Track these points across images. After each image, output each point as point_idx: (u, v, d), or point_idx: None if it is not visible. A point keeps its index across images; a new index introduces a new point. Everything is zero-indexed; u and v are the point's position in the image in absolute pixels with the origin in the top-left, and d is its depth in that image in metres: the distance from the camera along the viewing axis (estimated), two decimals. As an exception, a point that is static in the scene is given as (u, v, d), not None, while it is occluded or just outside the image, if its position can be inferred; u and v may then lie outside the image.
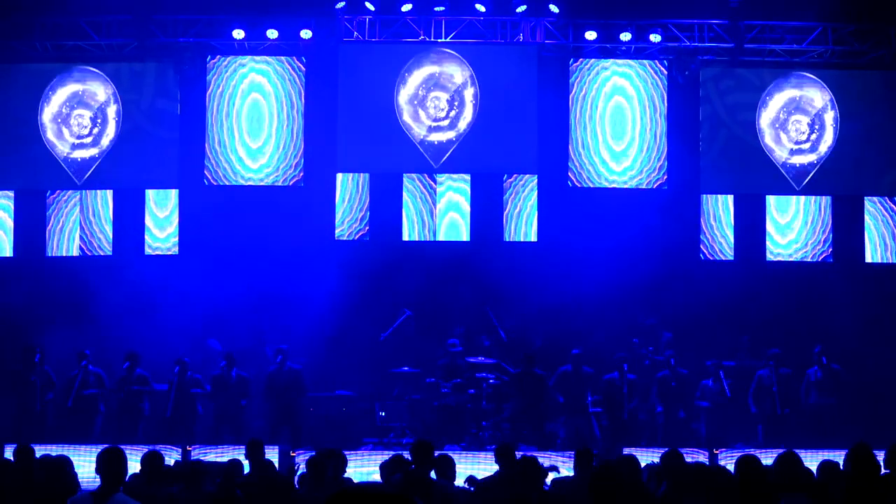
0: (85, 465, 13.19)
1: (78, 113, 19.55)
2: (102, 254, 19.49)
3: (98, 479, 7.78)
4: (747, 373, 17.57)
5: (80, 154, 19.51)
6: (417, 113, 19.51)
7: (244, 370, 17.11)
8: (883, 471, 8.98)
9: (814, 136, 19.67)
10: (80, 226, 19.53)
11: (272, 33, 19.15)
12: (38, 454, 10.31)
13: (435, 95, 19.50)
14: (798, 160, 19.66)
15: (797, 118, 19.72)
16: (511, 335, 18.44)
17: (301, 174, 19.55)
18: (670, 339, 18.34)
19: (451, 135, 19.47)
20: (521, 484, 9.70)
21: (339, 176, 19.55)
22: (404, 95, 19.49)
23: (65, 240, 19.52)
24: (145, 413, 16.95)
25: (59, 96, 19.56)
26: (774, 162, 19.66)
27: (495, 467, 10.86)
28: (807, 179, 19.62)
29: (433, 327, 18.72)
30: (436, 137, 19.48)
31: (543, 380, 16.99)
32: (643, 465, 10.56)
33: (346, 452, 12.28)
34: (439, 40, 19.34)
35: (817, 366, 17.16)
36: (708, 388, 17.06)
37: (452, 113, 19.51)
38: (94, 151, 19.50)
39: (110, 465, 7.67)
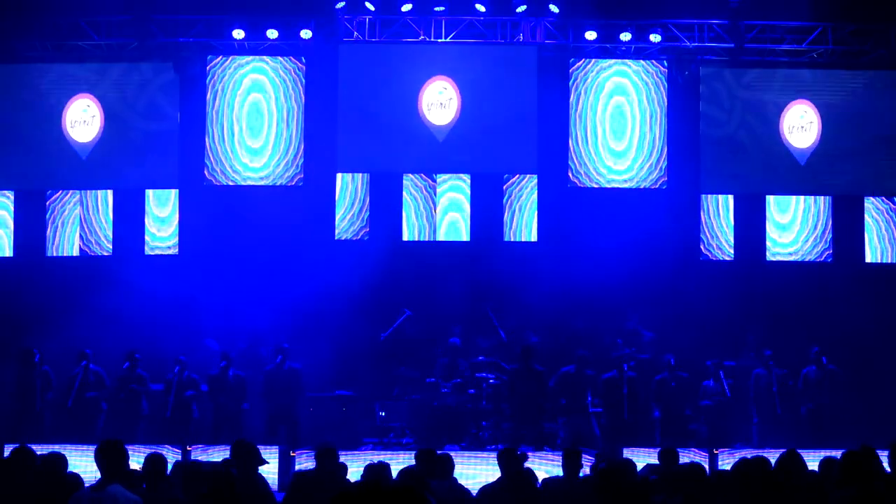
0: (86, 464, 13.19)
1: (78, 113, 19.54)
2: (102, 254, 19.49)
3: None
4: (749, 373, 17.53)
5: (80, 151, 19.52)
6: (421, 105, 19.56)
7: (242, 370, 17.09)
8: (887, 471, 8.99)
9: (814, 135, 19.67)
10: (80, 226, 19.54)
11: (272, 33, 19.16)
12: (37, 454, 10.28)
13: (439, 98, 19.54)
14: (799, 152, 19.68)
15: (797, 117, 19.71)
16: (511, 335, 18.44)
17: (301, 174, 19.55)
18: (653, 339, 18.31)
19: (451, 114, 19.44)
20: (519, 489, 9.71)
21: (339, 176, 19.56)
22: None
23: (65, 240, 19.53)
24: (144, 413, 16.95)
25: (58, 96, 19.57)
26: (774, 159, 19.68)
27: (494, 467, 10.82)
28: (805, 161, 19.66)
29: (433, 327, 18.72)
30: (437, 117, 19.44)
31: (542, 375, 16.94)
32: (644, 464, 10.58)
33: (347, 452, 12.32)
34: (439, 40, 19.34)
35: (815, 365, 17.13)
36: (708, 388, 17.05)
37: (453, 101, 19.53)
38: (93, 139, 19.50)
39: (107, 456, 7.73)
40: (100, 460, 7.79)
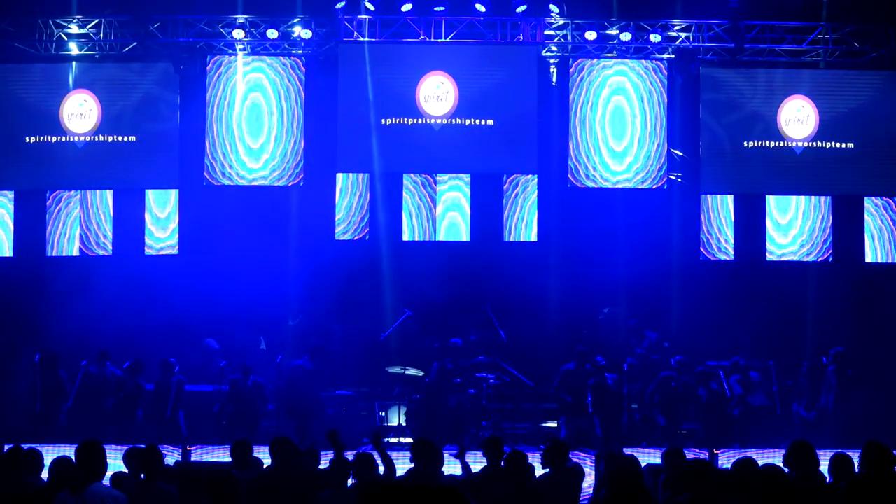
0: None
1: (75, 107, 19.53)
2: (102, 254, 19.49)
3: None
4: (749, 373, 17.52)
5: (77, 143, 19.53)
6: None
7: (256, 375, 17.14)
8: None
9: (810, 129, 19.67)
10: (80, 226, 19.54)
11: (272, 33, 19.16)
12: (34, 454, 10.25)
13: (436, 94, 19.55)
14: (796, 151, 19.70)
15: (794, 111, 19.72)
16: (510, 334, 18.48)
17: (301, 174, 19.56)
18: (658, 340, 18.31)
19: (447, 106, 19.45)
20: (512, 479, 9.75)
21: (339, 176, 19.56)
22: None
23: (65, 240, 19.53)
24: (139, 419, 16.88)
25: (58, 96, 19.57)
26: (774, 159, 19.68)
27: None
28: (804, 144, 19.67)
29: (433, 327, 18.73)
30: (434, 109, 19.46)
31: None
32: (644, 464, 10.58)
33: (347, 452, 12.27)
34: (439, 40, 19.34)
35: (834, 366, 17.06)
36: (708, 388, 17.03)
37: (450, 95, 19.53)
38: (90, 130, 19.52)
39: (85, 457, 7.79)
40: (79, 460, 7.85)
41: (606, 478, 7.44)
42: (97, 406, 16.75)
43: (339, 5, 18.92)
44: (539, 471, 10.43)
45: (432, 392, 17.06)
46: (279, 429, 16.53)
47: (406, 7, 18.94)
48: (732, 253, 19.67)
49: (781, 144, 19.69)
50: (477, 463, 12.26)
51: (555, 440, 11.02)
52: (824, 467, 9.32)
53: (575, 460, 11.00)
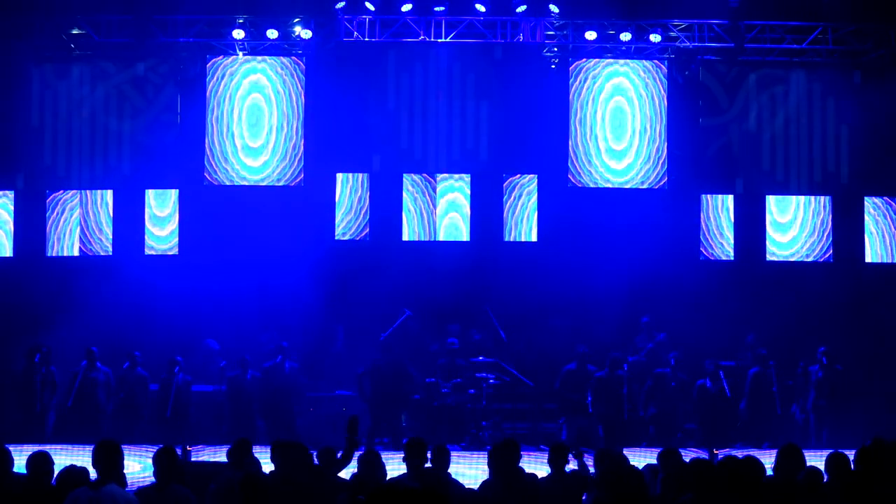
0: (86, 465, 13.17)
1: (77, 111, 19.55)
2: (102, 254, 19.48)
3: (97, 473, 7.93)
4: (747, 372, 17.53)
5: (79, 151, 19.54)
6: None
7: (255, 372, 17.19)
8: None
9: (811, 133, 19.68)
10: (80, 226, 19.53)
11: (272, 33, 19.17)
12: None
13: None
14: (797, 152, 19.70)
15: (795, 115, 19.72)
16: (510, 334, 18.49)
17: (301, 174, 19.56)
18: (665, 339, 18.33)
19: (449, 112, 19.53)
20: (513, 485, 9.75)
21: (339, 176, 19.57)
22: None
23: (65, 240, 19.52)
24: (143, 414, 16.96)
25: (58, 96, 19.57)
26: (774, 158, 19.68)
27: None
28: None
29: (433, 327, 18.73)
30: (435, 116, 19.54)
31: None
32: (643, 465, 10.59)
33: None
34: (439, 40, 19.35)
35: (818, 365, 17.12)
36: (707, 388, 17.05)
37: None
38: (93, 139, 19.56)
39: (105, 456, 7.80)
40: (97, 460, 7.87)
41: (601, 478, 7.40)
42: (96, 406, 16.79)
43: (339, 5, 18.92)
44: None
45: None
46: (276, 430, 16.59)
47: (406, 7, 18.94)
48: (732, 253, 19.67)
49: (781, 143, 19.68)
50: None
51: (556, 442, 10.98)
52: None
53: (574, 466, 10.96)
